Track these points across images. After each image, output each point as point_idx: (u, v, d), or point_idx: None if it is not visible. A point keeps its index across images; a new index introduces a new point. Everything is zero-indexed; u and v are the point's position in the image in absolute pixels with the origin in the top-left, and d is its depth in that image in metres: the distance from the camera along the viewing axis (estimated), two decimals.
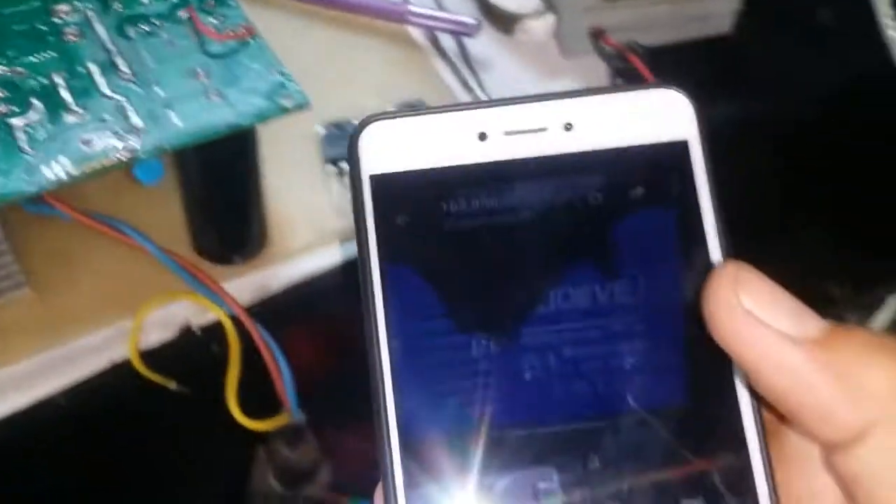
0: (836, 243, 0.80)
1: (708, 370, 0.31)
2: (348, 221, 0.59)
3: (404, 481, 0.30)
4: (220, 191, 0.64)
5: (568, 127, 0.32)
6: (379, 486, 0.31)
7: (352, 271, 0.61)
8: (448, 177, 0.32)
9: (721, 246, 0.31)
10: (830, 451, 0.29)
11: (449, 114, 0.32)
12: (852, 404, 0.28)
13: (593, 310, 0.32)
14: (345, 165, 0.66)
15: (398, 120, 0.32)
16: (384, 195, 0.32)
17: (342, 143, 0.68)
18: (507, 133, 0.32)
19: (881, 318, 0.76)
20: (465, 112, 0.32)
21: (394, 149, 0.32)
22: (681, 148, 0.32)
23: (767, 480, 0.31)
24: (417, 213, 0.32)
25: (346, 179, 0.61)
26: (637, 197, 0.32)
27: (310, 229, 0.67)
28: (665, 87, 0.33)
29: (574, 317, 0.31)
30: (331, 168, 0.68)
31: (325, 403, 0.65)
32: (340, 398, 0.71)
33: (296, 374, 0.62)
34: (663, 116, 0.32)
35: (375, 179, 0.32)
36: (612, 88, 0.35)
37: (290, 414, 0.63)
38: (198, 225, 0.66)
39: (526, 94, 0.33)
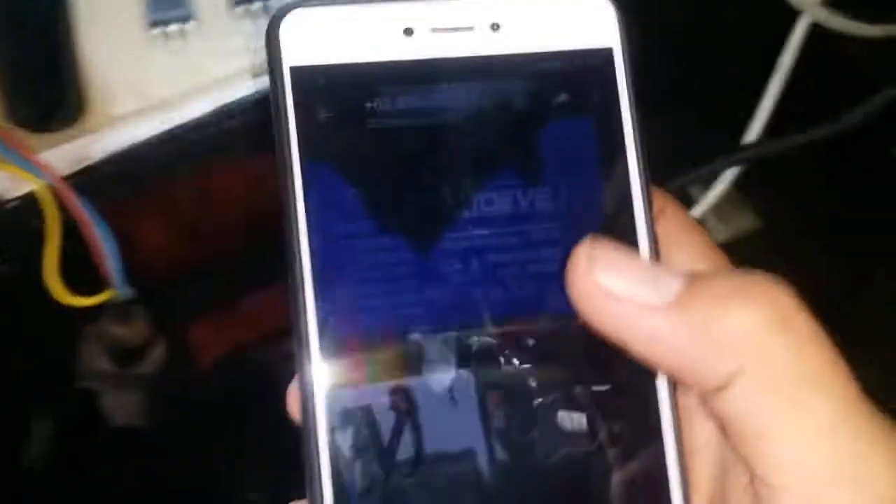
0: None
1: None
2: (175, 87, 0.57)
3: (319, 382, 0.30)
4: (27, 46, 0.59)
5: (495, 27, 0.32)
6: (293, 385, 0.31)
7: (185, 140, 0.59)
8: (372, 72, 0.31)
9: (637, 154, 0.32)
10: (705, 399, 0.31)
11: (375, 6, 0.32)
12: (714, 358, 0.29)
13: (514, 214, 0.32)
14: (170, 28, 0.62)
15: (321, 9, 0.31)
16: (305, 88, 0.31)
17: (167, 4, 0.64)
18: (434, 30, 0.32)
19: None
20: (391, 5, 0.32)
21: (316, 40, 0.31)
22: (605, 55, 0.33)
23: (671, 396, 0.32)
24: (339, 109, 0.31)
25: (172, 43, 0.58)
26: (561, 103, 0.32)
27: (133, 96, 0.63)
28: None
29: (495, 221, 0.32)
30: (156, 31, 0.64)
31: (167, 282, 0.63)
32: (184, 279, 0.69)
33: (131, 250, 0.59)
34: (589, 22, 0.33)
35: (296, 71, 0.31)
36: None
37: (116, 290, 0.60)
38: (7, 88, 0.61)
39: None
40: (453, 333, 0.31)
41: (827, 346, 0.29)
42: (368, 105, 0.31)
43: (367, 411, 0.30)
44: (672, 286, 0.29)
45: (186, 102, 0.58)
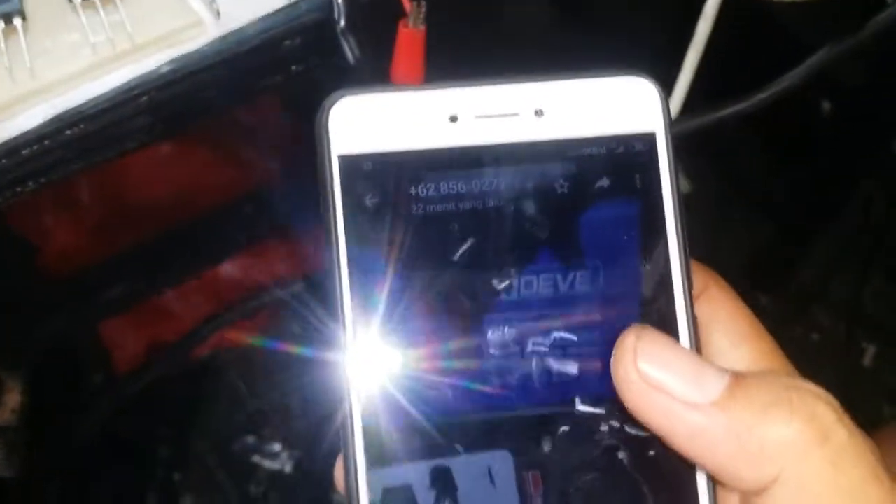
0: None
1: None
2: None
3: (366, 464, 0.31)
4: None
5: (539, 113, 0.32)
6: (339, 461, 0.32)
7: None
8: (418, 159, 0.32)
9: (679, 238, 0.32)
10: (745, 499, 0.31)
11: (421, 92, 0.32)
12: (754, 463, 0.30)
13: (555, 297, 0.32)
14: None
15: (368, 97, 0.32)
16: (352, 175, 0.31)
17: None
18: (479, 116, 0.32)
19: None
20: (437, 91, 0.32)
21: (363, 127, 0.32)
22: (649, 139, 0.33)
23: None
24: (386, 195, 0.32)
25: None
26: (603, 187, 0.32)
27: None
28: (634, 75, 0.33)
29: (536, 305, 0.32)
30: None
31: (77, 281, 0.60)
32: (94, 276, 0.67)
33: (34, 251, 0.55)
34: (633, 105, 0.33)
35: (344, 160, 0.31)
36: (584, 74, 0.33)
37: None
38: None
39: (498, 76, 0.33)
40: (493, 414, 0.31)
41: (866, 459, 0.30)
42: (414, 191, 0.32)
43: (408, 490, 0.31)
44: (716, 385, 0.30)
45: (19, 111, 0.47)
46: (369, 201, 0.32)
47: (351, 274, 0.31)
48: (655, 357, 0.30)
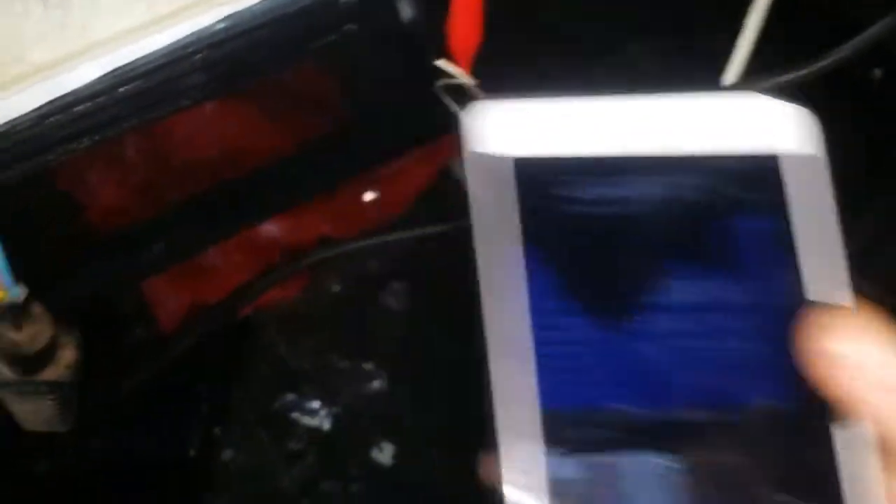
0: None
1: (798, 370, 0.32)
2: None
3: (514, 454, 0.31)
4: None
5: (682, 127, 0.33)
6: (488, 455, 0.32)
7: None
8: (571, 164, 0.33)
9: (840, 257, 0.33)
10: None
11: (569, 101, 0.33)
12: None
13: (703, 304, 0.32)
14: None
15: (513, 103, 0.33)
16: (521, 177, 0.32)
17: None
18: (626, 128, 0.33)
19: None
20: (586, 102, 0.33)
21: (509, 133, 0.33)
22: (808, 161, 0.33)
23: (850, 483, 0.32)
24: (535, 198, 0.32)
25: None
26: (751, 199, 0.33)
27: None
28: (786, 101, 0.34)
29: (684, 309, 0.32)
30: None
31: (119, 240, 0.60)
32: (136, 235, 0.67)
33: (21, 244, 0.55)
34: (793, 130, 0.33)
35: (514, 162, 0.32)
36: (735, 93, 0.36)
37: (5, 291, 0.56)
38: None
39: (645, 91, 0.34)
40: (646, 414, 0.32)
41: None
42: (563, 194, 0.33)
43: (566, 483, 0.31)
44: None
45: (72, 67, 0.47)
46: (519, 203, 0.33)
47: (505, 270, 0.32)
48: (842, 334, 0.31)
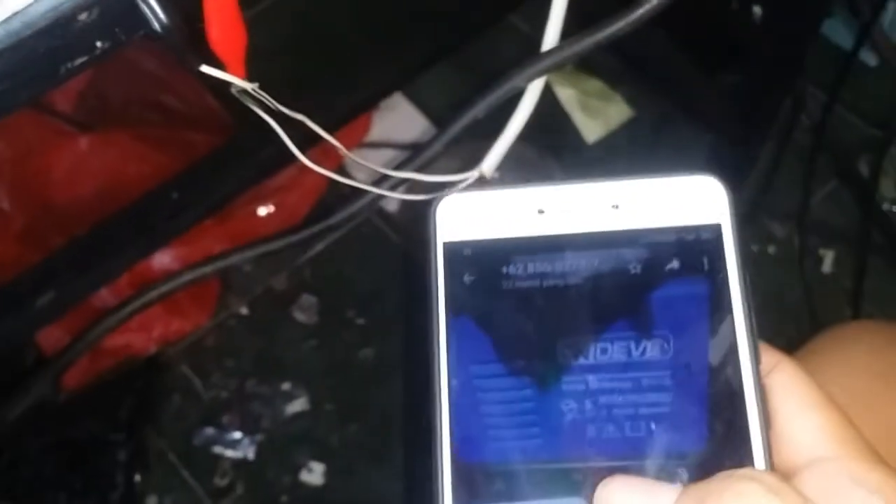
0: None
1: (725, 422, 0.35)
2: None
3: (453, 501, 0.35)
4: None
5: (615, 206, 0.38)
6: None
7: None
8: (509, 245, 0.38)
9: (745, 314, 0.36)
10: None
11: (515, 191, 0.38)
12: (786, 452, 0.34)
13: (627, 364, 0.36)
14: None
15: (470, 195, 0.39)
16: (454, 259, 0.38)
17: None
18: (563, 210, 0.38)
19: None
20: (529, 189, 0.38)
21: (464, 219, 0.38)
22: (714, 230, 0.37)
23: None
24: (481, 273, 0.38)
25: None
26: (672, 270, 0.37)
27: None
28: (702, 175, 0.38)
29: (610, 369, 0.36)
30: None
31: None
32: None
33: None
34: (699, 201, 0.38)
35: (448, 246, 0.38)
36: (656, 175, 0.39)
37: None
38: None
39: (580, 178, 0.38)
40: (568, 465, 0.35)
41: None
42: (504, 270, 0.38)
43: None
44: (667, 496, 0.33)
45: None
46: (466, 278, 0.38)
47: (448, 337, 0.37)
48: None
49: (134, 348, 1.03)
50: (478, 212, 0.39)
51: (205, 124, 0.87)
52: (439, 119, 1.12)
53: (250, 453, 1.04)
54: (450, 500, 0.35)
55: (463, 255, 0.38)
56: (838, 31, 1.08)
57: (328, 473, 1.02)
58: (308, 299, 1.10)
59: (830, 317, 1.05)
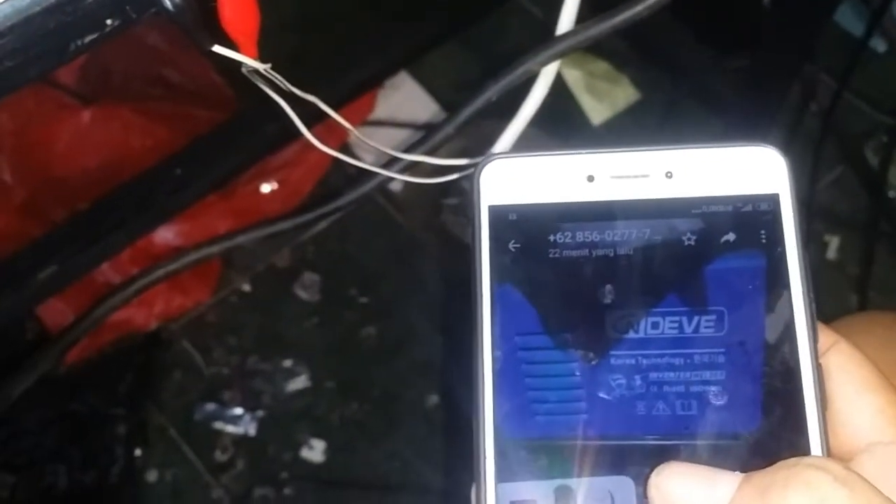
0: None
1: (780, 403, 0.34)
2: None
3: (495, 478, 0.34)
4: None
5: (668, 175, 0.36)
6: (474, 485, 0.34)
7: None
8: (558, 211, 0.36)
9: (805, 298, 0.35)
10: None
11: (564, 156, 0.37)
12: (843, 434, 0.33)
13: (679, 339, 0.35)
14: None
15: (516, 159, 0.37)
16: (499, 225, 0.36)
17: None
18: (613, 177, 0.37)
19: None
20: (578, 156, 0.37)
21: (510, 184, 0.37)
22: (772, 201, 0.36)
23: None
24: (527, 241, 0.36)
25: None
26: (728, 242, 0.36)
27: None
28: (761, 145, 0.36)
29: (661, 344, 0.35)
30: None
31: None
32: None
33: None
34: (757, 171, 0.36)
35: (493, 211, 0.36)
36: (712, 143, 0.37)
37: None
38: None
39: (634, 146, 0.37)
40: (615, 442, 0.34)
41: None
42: (552, 238, 0.36)
43: None
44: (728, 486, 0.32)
45: None
46: (512, 245, 0.36)
47: (492, 307, 0.35)
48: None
49: (135, 323, 1.03)
50: (525, 177, 0.37)
51: (208, 100, 0.86)
52: (444, 99, 1.12)
53: (251, 429, 1.04)
54: (492, 478, 0.34)
55: (509, 221, 0.37)
56: (848, 18, 1.07)
57: (328, 451, 1.02)
58: (310, 277, 1.10)
59: (833, 302, 1.04)
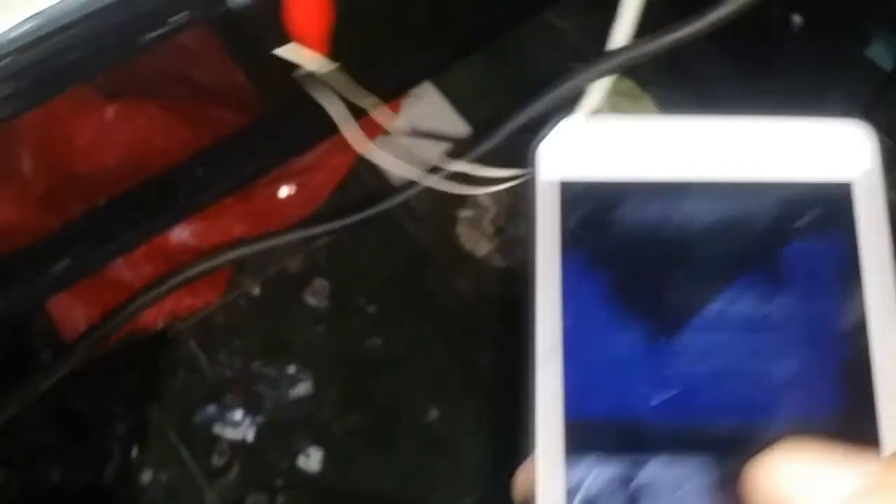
0: None
1: (854, 391, 0.33)
2: None
3: (564, 460, 0.32)
4: None
5: (747, 149, 0.35)
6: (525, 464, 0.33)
7: None
8: (628, 185, 0.35)
9: (887, 279, 0.33)
10: None
11: (636, 123, 0.35)
12: None
13: (751, 321, 0.34)
14: None
15: (585, 129, 0.35)
16: (567, 198, 0.35)
17: None
18: (691, 150, 0.35)
19: None
20: (651, 123, 0.35)
21: (577, 155, 0.35)
22: (857, 184, 0.34)
23: None
24: (595, 215, 0.35)
25: None
26: (808, 223, 0.34)
27: None
28: (849, 121, 0.35)
29: (731, 326, 0.34)
30: None
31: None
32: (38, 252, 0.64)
33: None
34: (843, 150, 0.35)
35: (562, 184, 0.35)
36: (800, 118, 0.36)
37: None
38: None
39: (711, 115, 0.36)
40: (683, 425, 0.33)
41: None
42: (621, 212, 0.35)
43: (603, 485, 0.33)
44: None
45: None
46: (580, 219, 0.35)
47: (560, 281, 0.34)
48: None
49: (143, 321, 1.02)
50: (594, 147, 0.35)
51: (232, 102, 0.86)
52: (466, 111, 1.12)
53: (250, 435, 1.04)
54: (562, 457, 0.33)
55: (577, 194, 0.35)
56: (878, 51, 1.07)
57: (325, 460, 1.02)
58: (320, 283, 1.09)
59: None
